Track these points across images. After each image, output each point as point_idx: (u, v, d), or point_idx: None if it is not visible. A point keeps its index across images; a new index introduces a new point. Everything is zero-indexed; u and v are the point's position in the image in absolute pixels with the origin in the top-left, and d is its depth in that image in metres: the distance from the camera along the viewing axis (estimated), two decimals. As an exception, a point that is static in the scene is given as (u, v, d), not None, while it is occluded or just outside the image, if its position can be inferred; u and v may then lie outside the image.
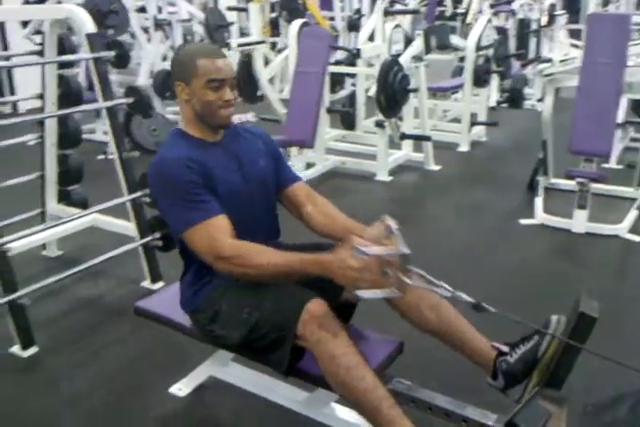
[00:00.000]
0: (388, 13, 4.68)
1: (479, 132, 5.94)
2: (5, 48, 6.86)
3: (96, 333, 2.66)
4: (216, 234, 1.66)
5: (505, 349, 1.83)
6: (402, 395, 1.77)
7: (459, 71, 6.87)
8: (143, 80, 5.56)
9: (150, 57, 5.75)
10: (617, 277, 3.27)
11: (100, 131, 5.73)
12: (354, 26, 8.14)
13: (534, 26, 8.49)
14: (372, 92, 6.25)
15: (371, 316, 2.06)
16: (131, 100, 2.91)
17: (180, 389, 2.22)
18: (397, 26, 4.78)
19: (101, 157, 5.21)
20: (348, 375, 1.57)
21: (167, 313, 2.01)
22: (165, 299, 2.11)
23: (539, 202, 4.06)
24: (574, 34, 7.73)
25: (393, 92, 4.39)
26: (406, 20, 6.38)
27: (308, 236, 1.98)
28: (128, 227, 3.10)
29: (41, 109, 3.15)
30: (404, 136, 4.95)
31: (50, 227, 2.87)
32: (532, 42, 8.58)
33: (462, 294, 1.62)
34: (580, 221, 3.70)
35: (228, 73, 1.76)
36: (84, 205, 3.36)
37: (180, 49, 1.95)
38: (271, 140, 2.02)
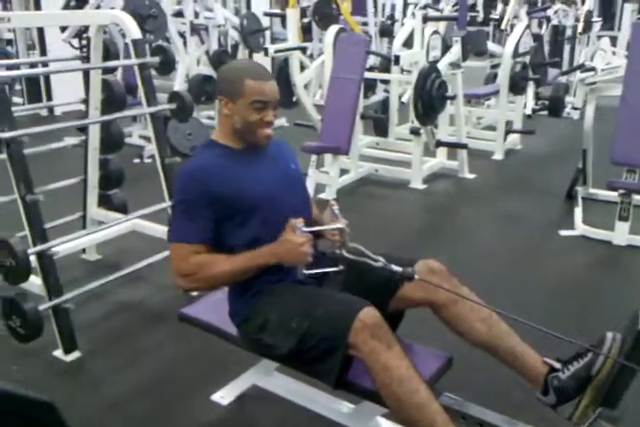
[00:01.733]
0: (426, 20, 4.65)
1: (514, 140, 5.88)
2: (44, 51, 6.94)
3: (137, 338, 2.67)
4: (188, 256, 1.75)
5: (557, 365, 1.79)
6: (452, 410, 1.74)
7: (492, 78, 6.82)
8: (179, 85, 5.60)
9: (186, 62, 5.79)
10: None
11: (137, 134, 5.78)
12: (386, 31, 8.13)
13: (568, 32, 8.41)
14: (406, 98, 6.24)
15: (416, 328, 2.04)
16: (174, 105, 2.92)
17: (223, 397, 2.21)
18: (435, 32, 4.75)
19: (137, 160, 5.26)
20: (401, 388, 1.55)
21: (214, 321, 2.01)
22: (210, 306, 2.11)
23: (578, 213, 4.00)
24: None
25: (430, 100, 4.36)
26: (441, 26, 6.35)
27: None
28: (167, 232, 3.10)
29: (80, 113, 3.19)
30: (439, 144, 4.92)
31: (94, 232, 2.89)
32: (566, 49, 8.51)
33: (395, 266, 1.70)
34: (621, 234, 3.63)
35: (274, 96, 1.79)
36: (123, 209, 3.38)
37: (227, 65, 1.97)
38: (292, 150, 2.05)
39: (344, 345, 1.60)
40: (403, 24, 7.49)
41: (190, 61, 5.87)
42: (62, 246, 2.68)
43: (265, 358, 1.97)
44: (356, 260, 1.72)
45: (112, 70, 3.98)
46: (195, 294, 2.99)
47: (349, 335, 1.58)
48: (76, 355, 2.51)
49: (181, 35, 5.94)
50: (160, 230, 3.18)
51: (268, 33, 7.81)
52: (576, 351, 1.78)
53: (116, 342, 2.65)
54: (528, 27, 5.93)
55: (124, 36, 4.81)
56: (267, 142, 1.85)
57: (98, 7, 5.45)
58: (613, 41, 7.81)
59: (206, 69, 6.03)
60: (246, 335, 1.85)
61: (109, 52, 3.15)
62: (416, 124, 4.64)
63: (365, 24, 8.03)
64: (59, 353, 2.50)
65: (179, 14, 6.04)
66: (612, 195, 3.89)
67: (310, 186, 4.41)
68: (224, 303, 1.93)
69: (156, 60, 2.89)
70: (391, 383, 1.56)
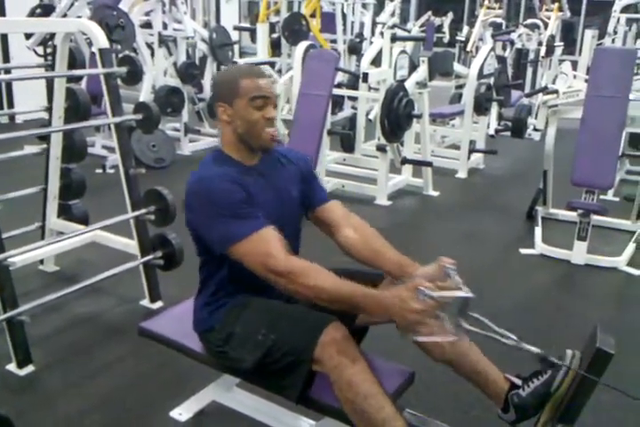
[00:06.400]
0: (394, 39, 4.72)
1: (477, 159, 5.97)
2: (7, 58, 6.82)
3: (94, 352, 2.60)
4: (268, 247, 1.60)
5: (518, 382, 1.81)
6: (413, 427, 1.74)
7: (457, 98, 6.94)
8: (145, 96, 5.55)
9: (153, 73, 5.75)
10: (616, 310, 3.27)
11: (100, 144, 5.70)
12: (355, 49, 8.22)
13: (531, 56, 8.63)
14: (373, 115, 6.29)
15: (379, 343, 2.03)
16: (140, 116, 2.89)
17: (181, 413, 2.16)
18: (403, 51, 4.82)
19: (99, 171, 5.18)
20: (365, 404, 1.53)
21: (174, 335, 1.97)
22: (171, 320, 2.07)
23: (538, 232, 4.07)
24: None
25: (397, 117, 4.40)
26: (408, 46, 6.45)
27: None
28: (128, 244, 3.05)
29: (42, 121, 3.12)
30: (405, 161, 4.96)
31: (53, 242, 2.82)
32: (529, 71, 8.73)
33: (528, 345, 1.59)
34: (579, 253, 3.70)
35: (271, 91, 1.74)
36: (84, 220, 3.32)
37: (220, 71, 1.93)
38: (308, 163, 1.97)
39: (309, 359, 1.58)
40: (371, 42, 7.59)
41: (157, 73, 5.84)
42: (19, 257, 2.60)
43: (227, 372, 1.93)
44: (482, 334, 1.59)
45: (77, 79, 3.91)
46: (155, 307, 2.95)
47: (316, 350, 1.56)
48: (30, 369, 2.42)
49: (149, 46, 5.91)
50: (121, 242, 3.13)
51: (236, 47, 7.83)
52: (536, 369, 1.80)
53: (72, 356, 2.57)
54: (493, 49, 6.06)
55: (90, 45, 4.76)
56: (273, 145, 1.78)
57: (64, 16, 5.39)
58: (574, 65, 8.04)
59: (173, 81, 6.00)
60: (210, 347, 1.82)
61: (75, 61, 3.10)
62: (382, 141, 4.68)
63: (334, 41, 8.11)
64: (12, 367, 2.42)
65: (147, 25, 6.01)
66: (572, 215, 3.97)
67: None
68: (185, 317, 1.90)
69: (124, 70, 2.86)
70: (356, 399, 1.54)
